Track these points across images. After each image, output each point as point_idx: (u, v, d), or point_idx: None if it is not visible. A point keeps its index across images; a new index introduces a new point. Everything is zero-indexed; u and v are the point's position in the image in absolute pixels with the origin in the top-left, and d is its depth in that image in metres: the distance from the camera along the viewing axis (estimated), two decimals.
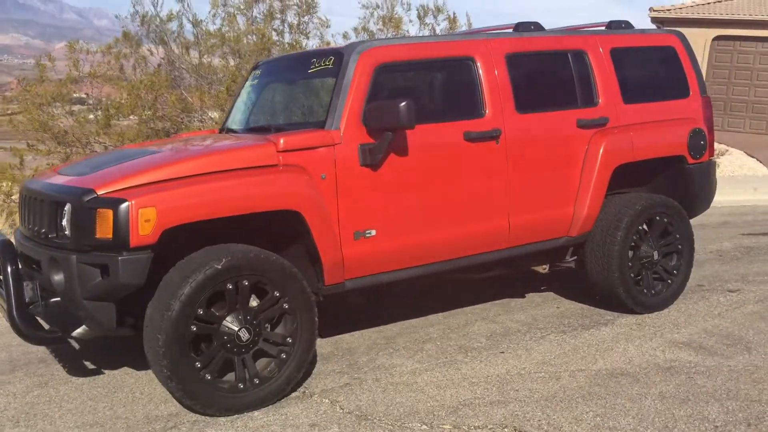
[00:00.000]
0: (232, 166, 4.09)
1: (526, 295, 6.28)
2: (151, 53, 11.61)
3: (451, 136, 4.78)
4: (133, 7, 10.54)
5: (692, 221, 6.08)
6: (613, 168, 5.42)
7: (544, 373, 4.51)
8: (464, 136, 4.80)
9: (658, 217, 5.63)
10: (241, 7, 11.39)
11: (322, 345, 5.14)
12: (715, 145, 16.88)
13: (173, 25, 10.93)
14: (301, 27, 10.94)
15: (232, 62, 10.68)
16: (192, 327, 3.81)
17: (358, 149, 4.42)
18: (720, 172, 14.29)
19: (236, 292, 3.97)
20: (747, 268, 7.16)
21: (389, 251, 4.61)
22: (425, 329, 5.43)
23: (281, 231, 4.36)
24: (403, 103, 4.25)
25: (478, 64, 4.94)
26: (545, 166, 5.20)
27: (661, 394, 4.16)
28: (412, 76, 4.91)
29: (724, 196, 11.73)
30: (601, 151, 5.34)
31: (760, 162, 15.18)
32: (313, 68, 4.82)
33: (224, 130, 5.55)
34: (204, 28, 11.50)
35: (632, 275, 5.53)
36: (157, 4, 10.66)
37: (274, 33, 11.41)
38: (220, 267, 3.84)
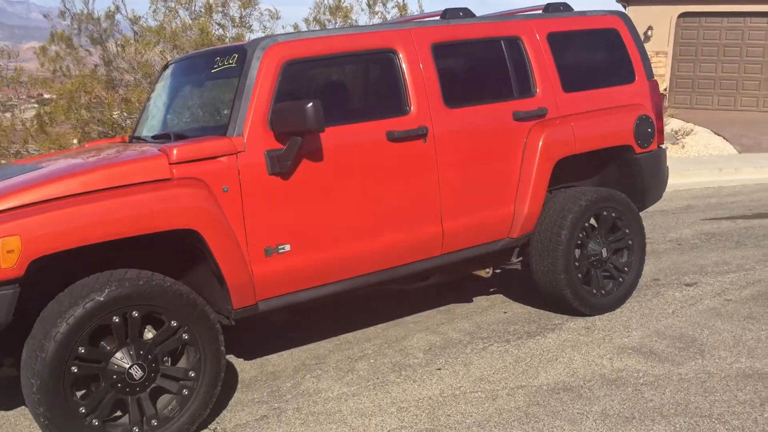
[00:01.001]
0: (118, 183, 3.66)
1: (473, 299, 5.90)
2: (90, 53, 11.07)
3: (372, 137, 4.37)
4: (63, 4, 9.95)
5: (653, 207, 5.74)
6: (555, 162, 5.04)
7: (481, 392, 4.14)
8: (387, 136, 4.39)
9: (605, 212, 5.27)
10: (182, 1, 10.85)
11: (246, 369, 4.73)
12: (681, 124, 16.65)
13: (107, 23, 10.35)
14: (244, 20, 10.43)
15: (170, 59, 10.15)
16: (72, 368, 3.39)
17: (265, 156, 4.00)
18: (685, 153, 14.03)
19: (125, 325, 3.54)
20: (706, 257, 6.83)
21: (307, 267, 4.20)
22: (360, 345, 5.03)
23: (185, 251, 3.94)
24: (310, 104, 3.83)
25: (401, 56, 4.53)
26: (480, 165, 4.80)
27: (604, 413, 3.80)
28: (326, 72, 4.49)
29: (687, 178, 11.46)
30: (541, 144, 4.95)
31: (727, 140, 14.90)
32: (216, 67, 4.38)
33: (133, 138, 5.09)
34: (143, 25, 10.96)
35: (579, 275, 5.17)
36: (88, 2, 10.07)
37: (217, 27, 10.90)
38: (102, 299, 3.42)
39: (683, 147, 14.49)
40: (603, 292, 5.32)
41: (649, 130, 5.45)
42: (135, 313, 3.55)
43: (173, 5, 11.22)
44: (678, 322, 5.11)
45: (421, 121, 4.53)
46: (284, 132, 3.99)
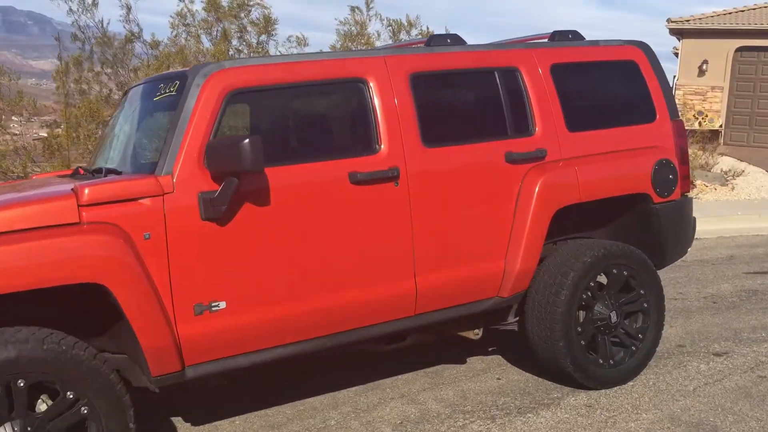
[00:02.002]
0: (18, 226, 3.14)
1: (467, 359, 5.22)
2: (108, 76, 10.82)
3: (330, 179, 3.78)
4: (78, 29, 9.69)
5: (690, 257, 5.02)
6: (554, 211, 4.37)
7: None
8: (350, 178, 3.80)
9: (615, 270, 4.55)
10: (201, 26, 10.53)
11: None
12: (733, 163, 15.61)
13: (124, 46, 10.07)
14: (261, 46, 10.01)
15: None
16: None
17: (199, 199, 3.45)
18: (735, 195, 13.05)
19: (7, 396, 3.00)
20: (743, 320, 6.01)
21: (246, 328, 3.62)
22: (325, 413, 4.40)
23: (101, 307, 3.40)
24: (246, 140, 3.27)
25: (372, 86, 3.94)
26: (464, 213, 4.16)
27: None
28: (280, 104, 3.92)
29: (734, 224, 10.56)
30: (537, 190, 4.29)
31: None
32: (159, 95, 3.87)
33: (81, 170, 4.60)
34: (162, 51, 10.66)
35: (583, 342, 4.46)
36: (103, 24, 9.80)
37: (235, 52, 10.53)
38: None
39: (733, 189, 13.51)
40: (611, 362, 4.59)
41: (671, 176, 4.74)
42: (21, 383, 3.01)
43: (195, 30, 10.92)
44: (698, 403, 4.34)
45: (392, 161, 3.93)
46: (219, 171, 3.44)
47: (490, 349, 5.39)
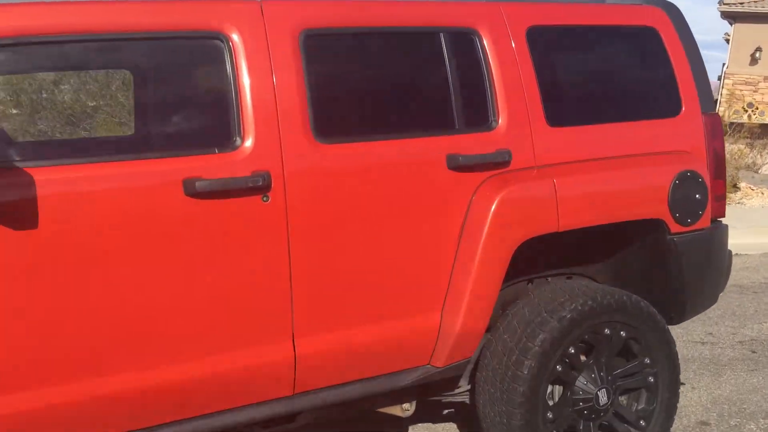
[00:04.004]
0: None
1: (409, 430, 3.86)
2: None
3: (152, 187, 2.42)
4: None
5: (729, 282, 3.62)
6: (517, 244, 2.96)
7: None
8: (185, 188, 2.44)
9: (608, 330, 3.14)
10: None
11: None
12: None
13: None
14: None
15: None
16: None
17: None
18: None
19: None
20: None
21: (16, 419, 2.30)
22: None
23: None
24: None
25: (233, 46, 2.56)
26: (375, 243, 2.78)
27: None
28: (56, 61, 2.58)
29: None
30: (493, 211, 2.89)
31: None
32: None
33: None
34: None
35: None
36: None
37: None
38: None
39: None
40: None
41: (697, 195, 3.29)
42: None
43: None
44: None
45: (258, 164, 2.55)
46: None
47: (444, 412, 4.00)
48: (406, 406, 3.28)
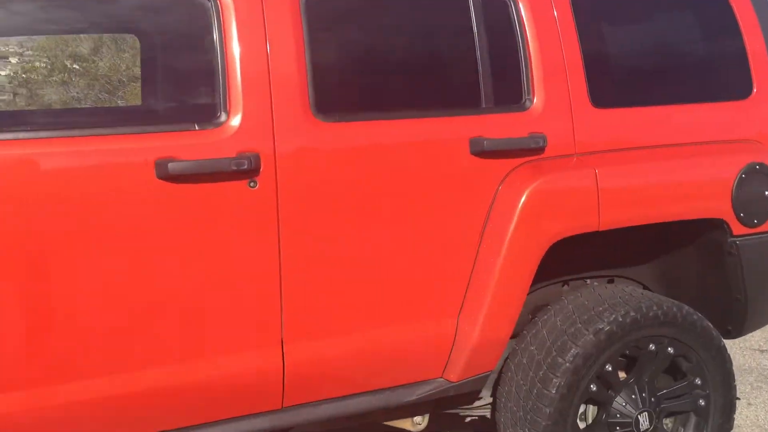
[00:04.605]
0: None
1: None
2: None
3: (118, 167, 2.09)
4: None
5: None
6: (549, 243, 2.55)
7: None
8: (157, 170, 2.10)
9: (653, 346, 2.71)
10: None
11: None
12: None
13: None
14: None
15: None
16: None
17: None
18: None
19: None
20: None
21: None
22: None
23: None
24: None
25: (221, 7, 2.20)
26: (382, 238, 2.41)
27: None
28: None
29: None
30: (522, 205, 2.49)
31: None
32: None
33: None
34: None
35: None
36: None
37: None
38: None
39: None
40: None
41: (767, 192, 2.82)
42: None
43: None
44: None
45: (246, 144, 2.20)
46: None
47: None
48: (417, 419, 2.90)
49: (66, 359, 2.07)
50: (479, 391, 2.81)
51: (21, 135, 2.01)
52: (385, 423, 2.90)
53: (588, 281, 3.02)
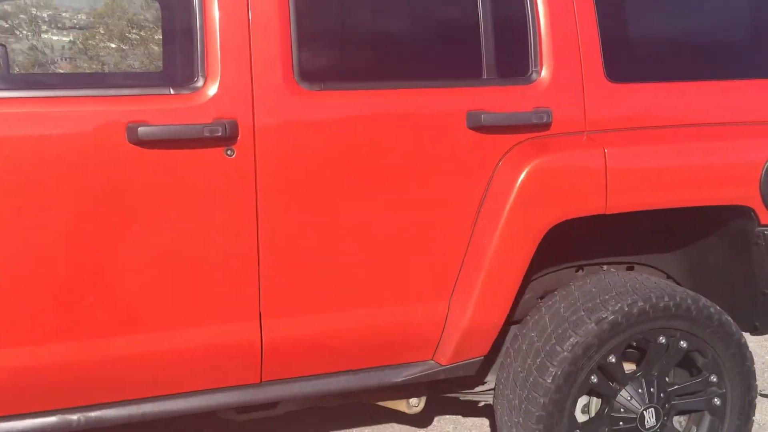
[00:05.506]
0: None
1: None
2: None
3: (89, 131, 2.05)
4: None
5: None
6: (546, 226, 2.39)
7: None
8: (128, 135, 2.04)
9: (663, 339, 2.53)
10: None
11: None
12: None
13: None
14: None
15: None
16: None
17: None
18: None
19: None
20: None
21: None
22: None
23: None
24: None
25: None
26: (368, 213, 2.30)
27: None
28: None
29: None
30: (519, 185, 2.33)
31: None
32: None
33: None
34: None
35: None
36: None
37: None
38: None
39: None
40: None
41: None
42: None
43: None
44: None
45: (224, 110, 2.12)
46: None
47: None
48: (413, 401, 2.82)
49: (32, 324, 2.05)
50: (476, 376, 2.70)
51: None
52: (380, 404, 2.81)
53: (605, 267, 2.85)
